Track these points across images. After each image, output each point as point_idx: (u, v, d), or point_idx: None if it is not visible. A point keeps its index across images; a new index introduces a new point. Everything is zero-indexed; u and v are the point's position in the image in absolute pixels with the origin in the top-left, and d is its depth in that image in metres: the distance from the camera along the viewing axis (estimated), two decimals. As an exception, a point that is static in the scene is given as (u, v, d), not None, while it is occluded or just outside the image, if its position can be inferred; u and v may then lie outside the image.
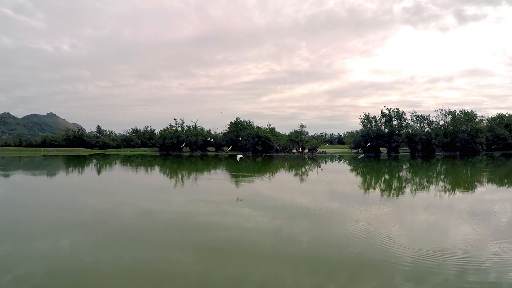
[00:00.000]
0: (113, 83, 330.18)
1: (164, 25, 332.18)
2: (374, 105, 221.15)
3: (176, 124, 53.40)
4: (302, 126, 52.82)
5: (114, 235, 9.51)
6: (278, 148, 45.76)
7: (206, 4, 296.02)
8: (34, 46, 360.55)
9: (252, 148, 46.96)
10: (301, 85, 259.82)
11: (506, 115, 61.47)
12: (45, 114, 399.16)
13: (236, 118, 52.45)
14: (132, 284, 6.36)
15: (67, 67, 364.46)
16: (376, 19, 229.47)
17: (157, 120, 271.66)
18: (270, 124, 57.86)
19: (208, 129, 57.52)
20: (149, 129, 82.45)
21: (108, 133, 75.29)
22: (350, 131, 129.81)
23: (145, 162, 42.94)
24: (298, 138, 46.22)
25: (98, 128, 70.58)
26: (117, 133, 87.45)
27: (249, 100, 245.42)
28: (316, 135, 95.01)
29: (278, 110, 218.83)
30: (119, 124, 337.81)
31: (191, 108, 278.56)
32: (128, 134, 75.36)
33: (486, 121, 59.30)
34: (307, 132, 52.60)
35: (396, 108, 50.19)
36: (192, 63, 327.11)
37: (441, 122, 52.99)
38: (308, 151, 45.09)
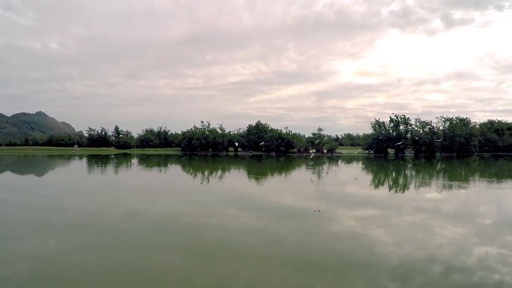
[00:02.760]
0: (101, 82, 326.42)
1: (153, 25, 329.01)
2: (362, 106, 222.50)
3: (203, 126, 58.40)
4: (320, 129, 59.15)
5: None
6: (301, 149, 50.81)
7: (196, 5, 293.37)
8: (22, 44, 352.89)
9: (276, 149, 51.79)
10: (288, 86, 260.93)
11: (496, 121, 69.27)
12: (34, 112, 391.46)
13: (258, 121, 58.06)
14: (118, 284, 6.35)
15: (55, 65, 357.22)
16: (364, 22, 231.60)
17: (146, 120, 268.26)
18: (287, 127, 63.92)
19: (228, 130, 62.65)
20: (162, 129, 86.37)
21: (126, 133, 78.52)
22: (347, 133, 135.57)
23: (205, 161, 46.14)
24: (316, 140, 51.38)
25: (116, 128, 73.85)
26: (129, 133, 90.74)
27: (236, 100, 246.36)
28: (314, 136, 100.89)
29: (266, 111, 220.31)
30: (108, 124, 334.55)
31: (179, 108, 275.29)
32: (144, 134, 78.82)
33: (478, 126, 66.42)
34: (330, 136, 58.76)
35: (403, 115, 56.98)
36: (181, 63, 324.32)
37: (441, 128, 60.20)
38: (327, 152, 50.28)
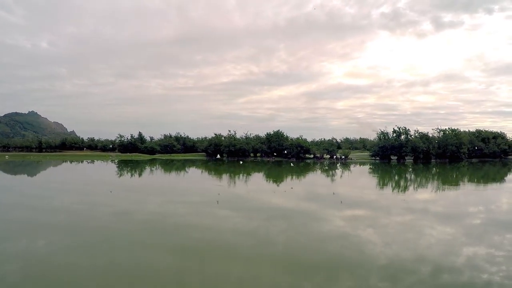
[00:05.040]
0: (91, 82, 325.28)
1: (144, 24, 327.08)
2: (352, 107, 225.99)
3: (230, 134, 66.18)
4: (333, 138, 68.16)
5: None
6: (319, 156, 58.66)
7: (186, 5, 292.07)
8: (12, 43, 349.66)
9: (296, 156, 59.60)
10: (279, 87, 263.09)
11: (483, 130, 79.62)
12: (27, 112, 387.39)
13: (278, 130, 66.11)
14: (108, 284, 6.31)
15: (45, 64, 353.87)
16: (354, 24, 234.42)
17: (136, 120, 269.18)
18: (301, 135, 72.27)
19: (245, 135, 70.47)
20: (180, 135, 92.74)
21: (150, 139, 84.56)
22: (346, 137, 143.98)
23: (239, 165, 50.36)
24: (331, 148, 59.36)
25: (140, 134, 79.87)
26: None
27: (226, 101, 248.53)
28: (315, 141, 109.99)
29: (256, 111, 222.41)
30: (99, 123, 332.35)
31: (170, 108, 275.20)
32: (165, 139, 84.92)
33: (468, 131, 76.99)
34: (334, 139, 66.74)
35: (404, 126, 66.58)
36: (171, 63, 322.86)
37: (436, 136, 69.46)
38: (341, 158, 58.25)
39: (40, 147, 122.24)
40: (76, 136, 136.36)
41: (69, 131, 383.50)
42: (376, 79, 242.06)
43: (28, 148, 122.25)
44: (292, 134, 75.47)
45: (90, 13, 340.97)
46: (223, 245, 9.01)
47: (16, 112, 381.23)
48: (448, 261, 7.67)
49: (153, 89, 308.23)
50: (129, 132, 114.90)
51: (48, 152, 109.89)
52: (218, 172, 39.36)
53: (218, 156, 56.47)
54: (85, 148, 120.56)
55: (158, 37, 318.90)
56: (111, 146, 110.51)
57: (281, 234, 10.06)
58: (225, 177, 33.97)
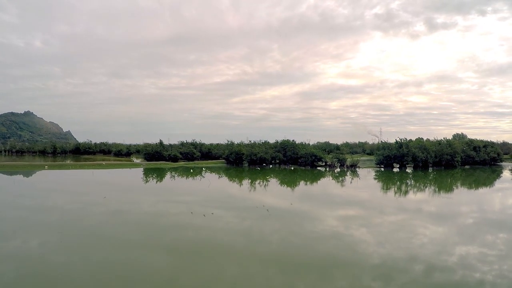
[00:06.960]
0: (84, 81, 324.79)
1: (137, 24, 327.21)
2: (345, 108, 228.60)
3: (250, 143, 73.38)
4: (339, 148, 75.56)
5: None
6: (330, 164, 66.04)
7: (180, 4, 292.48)
8: (5, 41, 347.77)
9: (311, 164, 66.93)
10: (272, 87, 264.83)
11: (475, 140, 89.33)
12: (22, 112, 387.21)
13: (293, 140, 73.37)
14: (103, 285, 6.39)
15: (38, 63, 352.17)
16: (347, 24, 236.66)
17: (129, 120, 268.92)
18: (309, 142, 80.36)
19: (253, 141, 77.93)
20: (195, 142, 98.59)
21: (169, 146, 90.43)
22: (346, 141, 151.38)
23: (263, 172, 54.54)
24: (341, 157, 66.80)
25: (160, 141, 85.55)
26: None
27: (219, 100, 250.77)
28: (316, 144, 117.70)
29: (249, 111, 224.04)
30: (93, 122, 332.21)
31: (163, 108, 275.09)
32: (184, 147, 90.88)
33: (461, 145, 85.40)
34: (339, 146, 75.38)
35: (405, 138, 74.90)
36: (164, 63, 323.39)
37: (433, 148, 77.85)
38: (350, 167, 65.68)
39: (55, 152, 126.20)
40: (89, 140, 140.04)
41: (64, 131, 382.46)
42: (369, 79, 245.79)
43: (43, 153, 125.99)
44: (287, 134, 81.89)
45: (83, 12, 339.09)
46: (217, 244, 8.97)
47: (12, 112, 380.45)
48: (441, 260, 7.97)
49: (146, 89, 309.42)
50: (124, 132, 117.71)
51: (61, 156, 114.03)
52: (272, 176, 45.56)
53: (259, 165, 62.56)
54: (95, 153, 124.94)
55: (151, 37, 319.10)
56: (126, 151, 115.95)
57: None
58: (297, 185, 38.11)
